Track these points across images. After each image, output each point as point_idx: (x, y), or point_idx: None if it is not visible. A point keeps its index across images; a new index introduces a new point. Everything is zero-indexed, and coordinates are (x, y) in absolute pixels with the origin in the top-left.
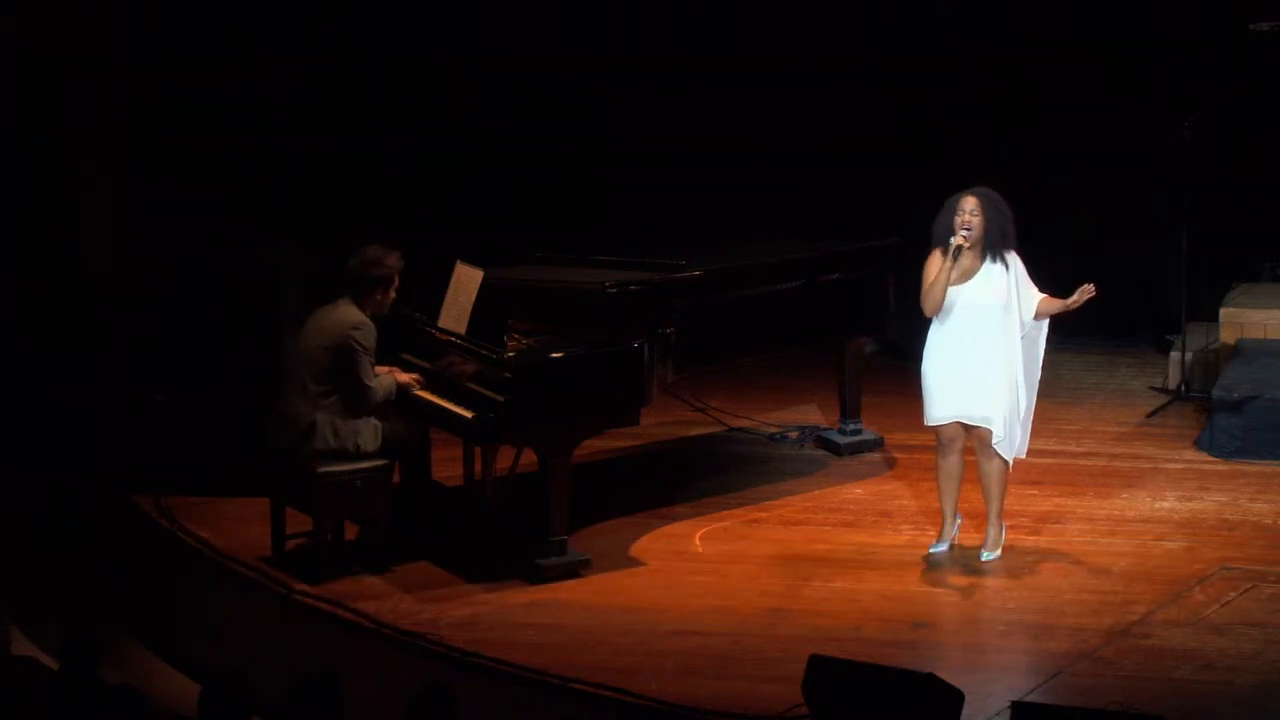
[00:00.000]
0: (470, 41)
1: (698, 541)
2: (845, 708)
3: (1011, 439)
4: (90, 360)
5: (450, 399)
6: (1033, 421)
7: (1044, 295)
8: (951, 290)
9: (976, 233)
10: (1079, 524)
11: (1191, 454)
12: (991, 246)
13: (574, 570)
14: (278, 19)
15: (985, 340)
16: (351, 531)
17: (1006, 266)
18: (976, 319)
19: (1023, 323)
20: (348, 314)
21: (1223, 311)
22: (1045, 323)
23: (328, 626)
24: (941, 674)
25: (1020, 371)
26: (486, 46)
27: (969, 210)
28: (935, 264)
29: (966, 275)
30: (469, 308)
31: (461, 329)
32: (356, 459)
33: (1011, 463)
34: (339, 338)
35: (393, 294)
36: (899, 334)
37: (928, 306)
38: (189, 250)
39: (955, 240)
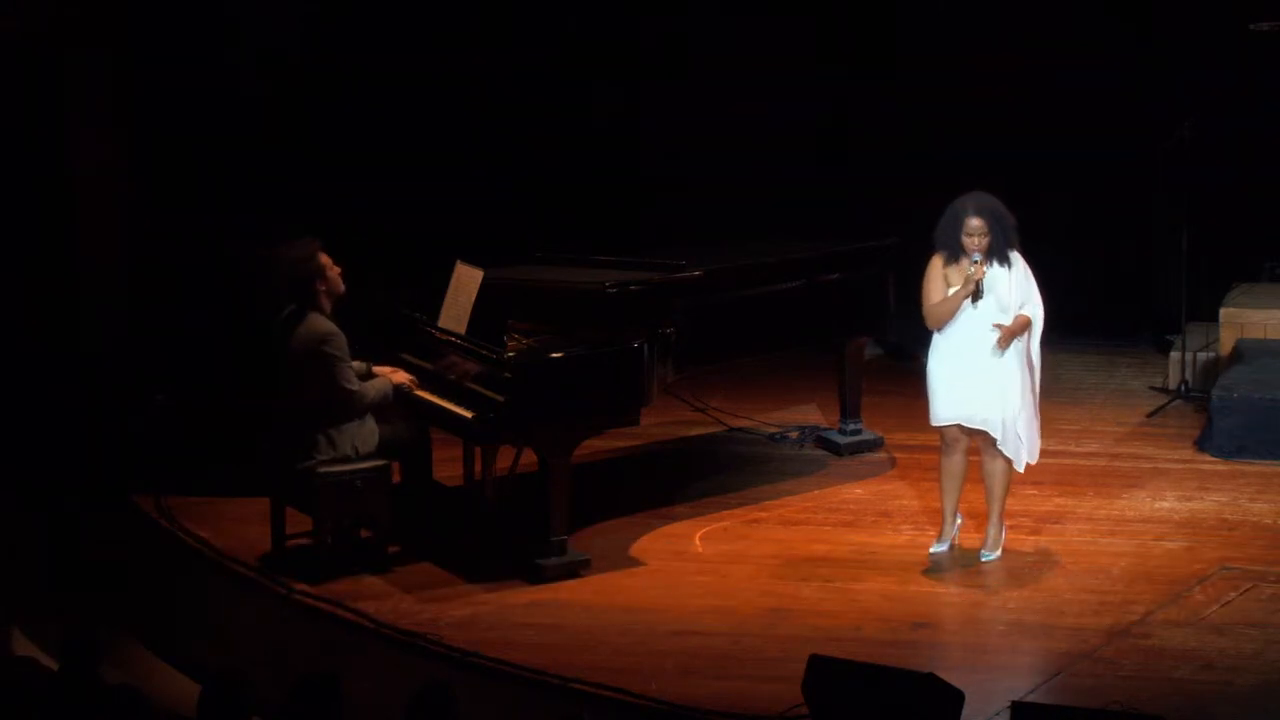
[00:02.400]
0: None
1: (698, 541)
2: (845, 708)
3: (1015, 443)
4: (90, 360)
5: (450, 399)
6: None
7: (1021, 315)
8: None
9: (985, 250)
10: (1079, 524)
11: (1191, 454)
12: (995, 254)
13: (574, 570)
14: (278, 19)
15: (986, 344)
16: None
17: (1010, 268)
18: (978, 322)
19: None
20: (313, 326)
21: (1223, 311)
22: (1029, 335)
23: (328, 626)
24: (941, 674)
25: (1020, 375)
26: (488, 51)
27: (977, 232)
28: (936, 271)
29: (969, 279)
30: (469, 308)
31: (461, 329)
32: (356, 460)
33: (1024, 467)
34: (312, 354)
35: (333, 274)
36: (899, 334)
37: (931, 323)
38: (189, 250)
39: (976, 273)
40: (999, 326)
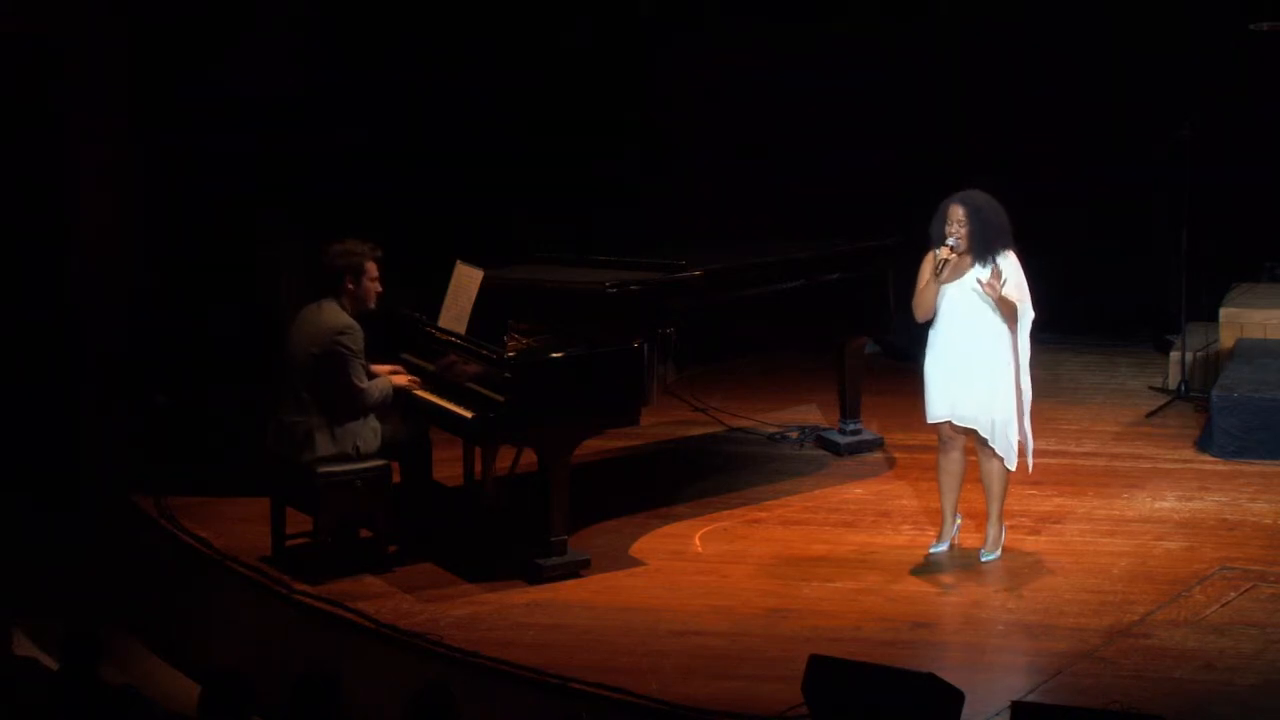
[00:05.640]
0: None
1: (698, 541)
2: (845, 708)
3: (1005, 442)
4: (91, 360)
5: (450, 399)
6: (1031, 422)
7: (1009, 299)
8: (945, 289)
9: (963, 243)
10: (1079, 524)
11: (1191, 454)
12: (979, 251)
13: (574, 570)
14: (279, 14)
15: (973, 342)
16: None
17: (995, 268)
18: (965, 320)
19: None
20: (332, 318)
21: (1223, 311)
22: (1016, 332)
23: (328, 626)
24: (941, 674)
25: (1011, 375)
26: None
27: (956, 220)
28: (927, 266)
29: (957, 276)
30: (469, 308)
31: (461, 329)
32: (357, 460)
33: (1015, 466)
34: (326, 344)
35: (370, 284)
36: (899, 334)
37: (917, 312)
38: (190, 249)
39: (941, 253)
40: (980, 282)
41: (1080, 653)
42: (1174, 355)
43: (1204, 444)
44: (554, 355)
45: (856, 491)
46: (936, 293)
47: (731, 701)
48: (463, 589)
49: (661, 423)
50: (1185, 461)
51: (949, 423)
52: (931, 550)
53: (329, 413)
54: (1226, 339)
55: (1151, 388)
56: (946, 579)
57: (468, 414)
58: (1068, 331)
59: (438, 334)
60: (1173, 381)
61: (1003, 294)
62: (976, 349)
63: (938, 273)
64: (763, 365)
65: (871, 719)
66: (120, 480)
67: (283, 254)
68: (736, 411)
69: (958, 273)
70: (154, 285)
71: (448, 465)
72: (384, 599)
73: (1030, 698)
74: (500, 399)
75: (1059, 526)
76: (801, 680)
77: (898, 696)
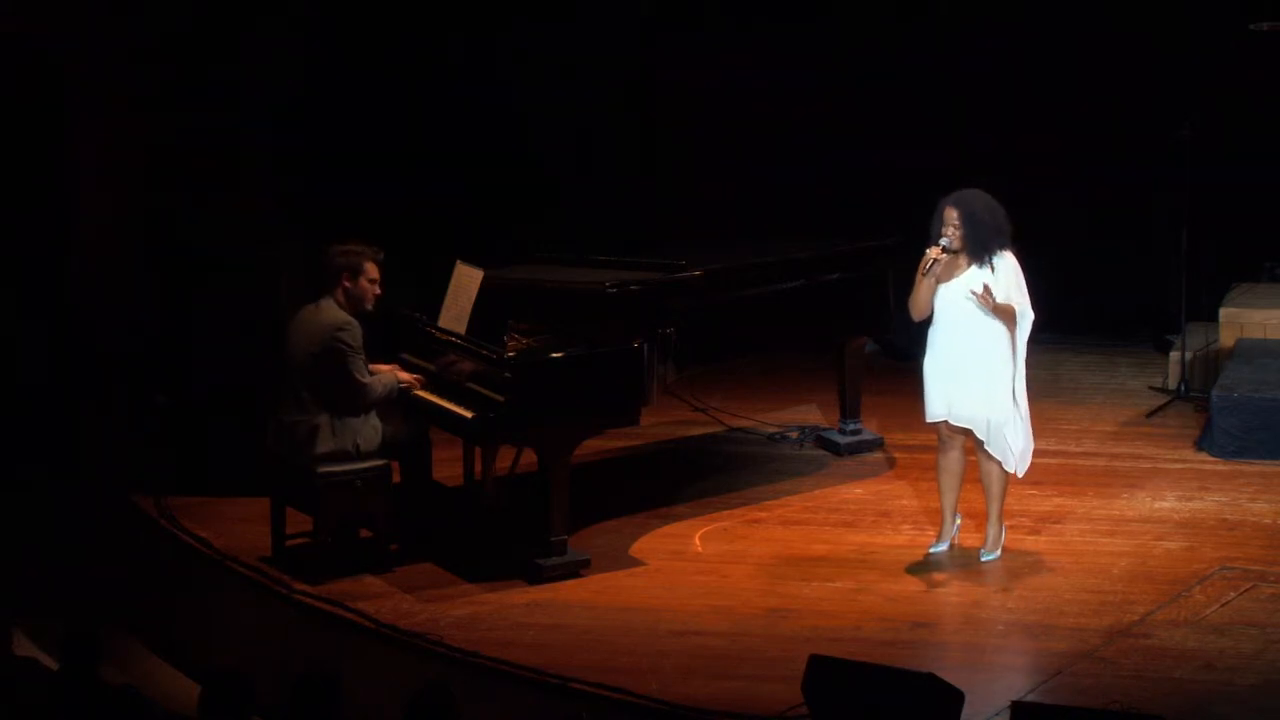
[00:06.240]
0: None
1: (698, 541)
2: (845, 708)
3: (1001, 443)
4: (91, 360)
5: (450, 399)
6: (1031, 423)
7: (1007, 304)
8: (941, 289)
9: (956, 244)
10: (1079, 524)
11: (1191, 454)
12: (975, 251)
13: (574, 570)
14: (277, 14)
15: (967, 342)
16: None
17: (994, 270)
18: (963, 320)
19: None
20: (331, 316)
21: (1223, 311)
22: (1015, 334)
23: (328, 626)
24: (941, 674)
25: (1009, 377)
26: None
27: (950, 222)
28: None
29: (953, 275)
30: (469, 308)
31: (461, 329)
32: (357, 459)
33: (1012, 468)
34: (325, 342)
35: (368, 284)
36: (899, 334)
37: (912, 311)
38: (191, 249)
39: (932, 252)
40: (974, 294)
41: (1080, 653)
42: (1174, 355)
43: (1204, 444)
44: (554, 355)
45: (856, 491)
46: (931, 291)
47: (731, 701)
48: (463, 589)
49: (661, 423)
50: (1185, 461)
51: (947, 422)
52: (931, 550)
53: (330, 410)
54: (1226, 339)
55: (1151, 388)
56: (946, 579)
57: (468, 414)
58: (1068, 331)
59: (438, 334)
60: (1173, 381)
61: (999, 302)
62: (973, 349)
63: (925, 271)
64: (763, 365)
65: (871, 719)
66: (120, 480)
67: (283, 254)
68: (736, 411)
69: (952, 273)
70: (155, 284)
71: (448, 465)
72: (384, 599)
73: (1030, 698)
74: (500, 399)
75: (1059, 526)
76: (801, 680)
77: (898, 696)
